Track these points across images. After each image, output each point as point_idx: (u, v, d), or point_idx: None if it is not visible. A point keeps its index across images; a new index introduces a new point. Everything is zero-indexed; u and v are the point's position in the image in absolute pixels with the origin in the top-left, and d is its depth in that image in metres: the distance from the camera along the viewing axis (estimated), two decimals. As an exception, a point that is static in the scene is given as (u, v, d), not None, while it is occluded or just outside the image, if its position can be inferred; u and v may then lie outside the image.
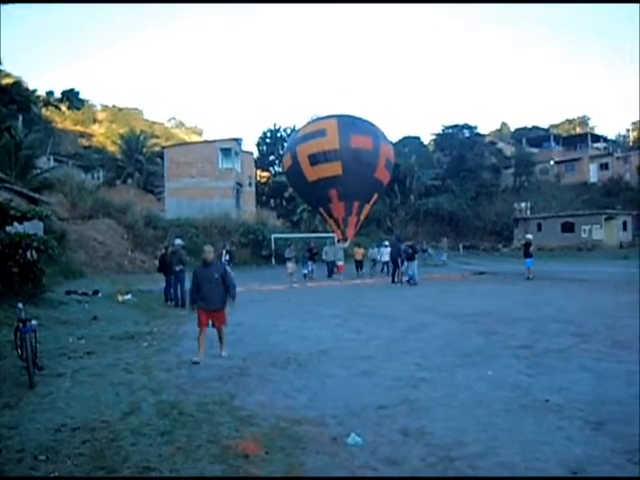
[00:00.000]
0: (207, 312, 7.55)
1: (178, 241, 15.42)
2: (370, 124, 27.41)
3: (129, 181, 48.26)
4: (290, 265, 21.75)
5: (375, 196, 27.62)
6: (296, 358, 7.44)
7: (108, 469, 3.84)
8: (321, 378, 6.35)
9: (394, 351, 7.85)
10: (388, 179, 28.64)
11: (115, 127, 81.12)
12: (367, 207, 27.22)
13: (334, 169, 24.90)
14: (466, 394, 5.54)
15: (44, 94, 23.03)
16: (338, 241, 26.24)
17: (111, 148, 60.01)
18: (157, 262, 16.07)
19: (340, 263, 23.26)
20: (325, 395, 5.64)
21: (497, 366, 6.72)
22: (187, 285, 14.30)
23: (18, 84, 25.80)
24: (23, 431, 4.65)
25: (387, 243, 25.21)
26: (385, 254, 24.12)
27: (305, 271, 23.26)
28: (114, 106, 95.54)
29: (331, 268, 23.65)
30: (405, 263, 20.08)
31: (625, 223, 45.92)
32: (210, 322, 7.62)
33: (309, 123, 28.41)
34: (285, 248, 25.67)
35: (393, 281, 20.26)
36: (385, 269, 24.23)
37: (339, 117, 26.61)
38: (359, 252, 25.21)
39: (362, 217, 27.24)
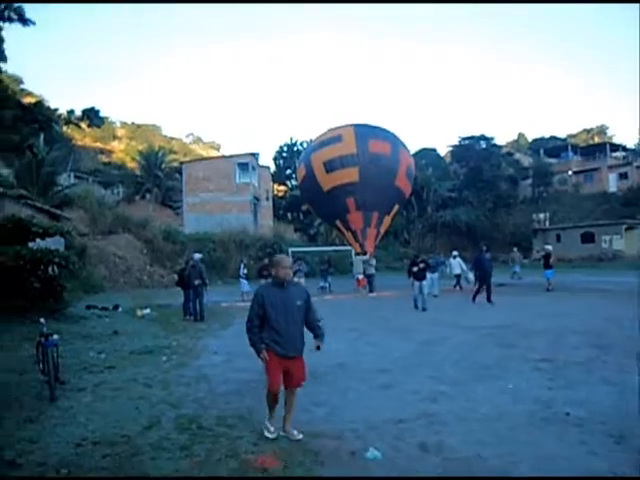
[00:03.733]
0: (281, 360, 4.80)
1: (197, 255, 15.54)
2: (388, 131, 26.11)
3: (148, 196, 48.81)
4: (301, 280, 20.89)
5: (396, 207, 25.94)
6: (314, 372, 7.44)
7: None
8: (339, 392, 6.34)
9: (412, 364, 7.81)
10: (410, 190, 26.95)
11: (134, 143, 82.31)
12: (387, 219, 25.49)
13: (351, 175, 23.55)
14: (486, 408, 5.50)
15: (65, 112, 23.52)
16: (357, 254, 24.79)
17: (130, 164, 60.87)
18: (176, 276, 16.23)
19: (360, 277, 22.26)
20: (343, 409, 5.64)
21: (517, 379, 6.66)
22: (205, 299, 14.57)
23: (40, 103, 26.44)
24: (44, 445, 4.70)
25: (456, 253, 22.33)
26: (456, 266, 21.80)
27: (322, 284, 22.76)
28: (133, 123, 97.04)
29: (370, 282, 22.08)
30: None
31: (646, 233, 45.28)
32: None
33: (324, 132, 26.81)
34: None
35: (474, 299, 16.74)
36: (458, 285, 21.66)
37: (356, 125, 25.44)
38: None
39: (382, 230, 25.61)
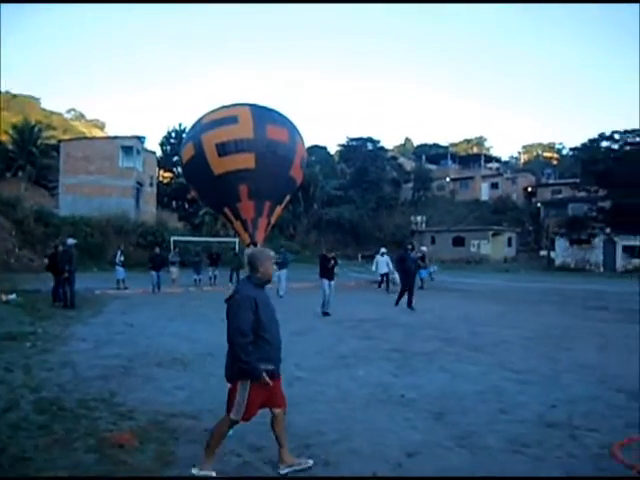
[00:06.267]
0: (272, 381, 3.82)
1: (70, 240, 15.04)
2: (285, 117, 23.89)
3: (20, 174, 45.51)
4: (174, 270, 21.13)
5: (287, 198, 24.11)
6: (182, 359, 7.72)
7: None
8: (203, 377, 6.69)
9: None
10: (301, 179, 24.88)
11: (7, 115, 75.94)
12: (278, 209, 23.61)
13: (246, 161, 21.32)
14: (333, 391, 6.11)
15: None
16: (248, 245, 22.13)
17: (1, 138, 56.36)
18: (46, 261, 15.59)
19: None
20: (204, 392, 5.99)
21: (368, 367, 7.38)
22: (77, 286, 14.18)
23: None
24: None
25: (383, 250, 21.58)
26: (382, 265, 21.01)
27: (195, 277, 21.89)
28: (7, 92, 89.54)
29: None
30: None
31: (510, 239, 49.73)
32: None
33: (216, 110, 23.87)
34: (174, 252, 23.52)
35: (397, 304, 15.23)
36: (383, 284, 21.18)
37: (252, 105, 22.91)
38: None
39: (273, 220, 23.59)
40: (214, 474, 3.80)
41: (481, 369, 7.30)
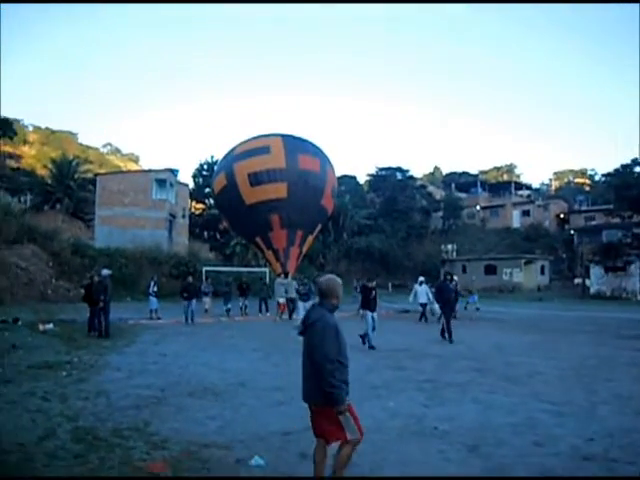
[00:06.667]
0: None
1: (105, 271, 15.37)
2: (317, 146, 24.95)
3: (58, 207, 46.93)
4: (206, 300, 21.13)
5: (319, 227, 25.10)
6: (214, 389, 7.76)
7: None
8: (234, 407, 6.71)
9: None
10: (332, 209, 25.89)
11: (47, 150, 78.94)
12: (310, 239, 24.64)
13: (278, 191, 22.11)
14: (367, 422, 6.02)
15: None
16: (278, 275, 22.72)
17: (41, 171, 58.22)
18: (82, 291, 15.94)
19: (282, 301, 20.28)
20: (235, 422, 6.01)
21: (399, 398, 7.29)
22: (112, 316, 14.45)
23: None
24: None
25: (422, 279, 20.76)
26: (422, 294, 19.95)
27: (226, 307, 21.30)
28: (47, 128, 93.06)
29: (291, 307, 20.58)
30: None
31: (543, 267, 48.84)
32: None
33: (248, 140, 24.58)
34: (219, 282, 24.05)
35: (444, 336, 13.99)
36: (424, 317, 20.04)
37: (284, 135, 23.89)
38: None
39: (305, 249, 24.60)
40: None
41: (515, 400, 7.14)
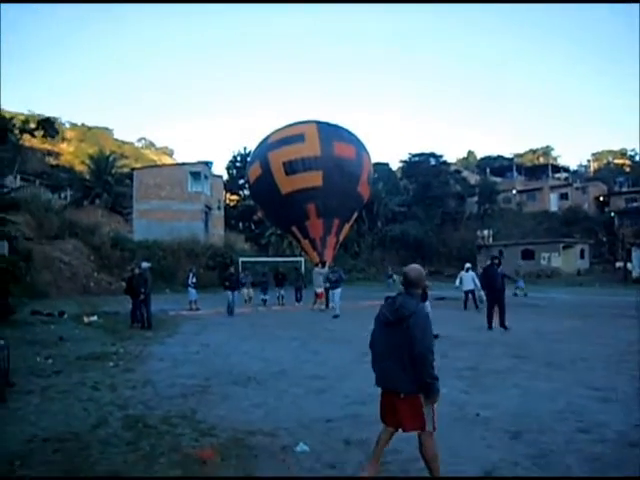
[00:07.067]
0: None
1: (145, 264, 15.73)
2: (352, 133, 24.60)
3: (97, 202, 48.09)
4: (246, 290, 21.21)
5: (355, 214, 24.70)
6: (257, 377, 7.92)
7: (79, 473, 4.28)
8: (277, 395, 6.84)
9: (348, 372, 8.37)
10: (368, 195, 25.47)
11: (84, 146, 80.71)
12: (347, 227, 24.28)
13: (314, 179, 21.82)
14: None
15: (20, 122, 23.25)
16: (316, 265, 22.47)
17: (79, 168, 59.67)
18: (124, 284, 16.35)
19: (320, 290, 20.14)
20: (279, 410, 6.14)
21: (440, 385, 7.29)
22: (153, 307, 14.81)
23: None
24: (-4, 441, 5.03)
25: (468, 265, 19.76)
26: (468, 281, 18.81)
27: (263, 297, 21.48)
28: (83, 125, 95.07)
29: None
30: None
31: (582, 251, 47.69)
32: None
33: (282, 128, 24.28)
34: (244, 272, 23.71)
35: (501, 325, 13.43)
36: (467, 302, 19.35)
37: (318, 122, 23.54)
38: None
39: (341, 238, 24.31)
40: None
41: (558, 386, 7.08)
